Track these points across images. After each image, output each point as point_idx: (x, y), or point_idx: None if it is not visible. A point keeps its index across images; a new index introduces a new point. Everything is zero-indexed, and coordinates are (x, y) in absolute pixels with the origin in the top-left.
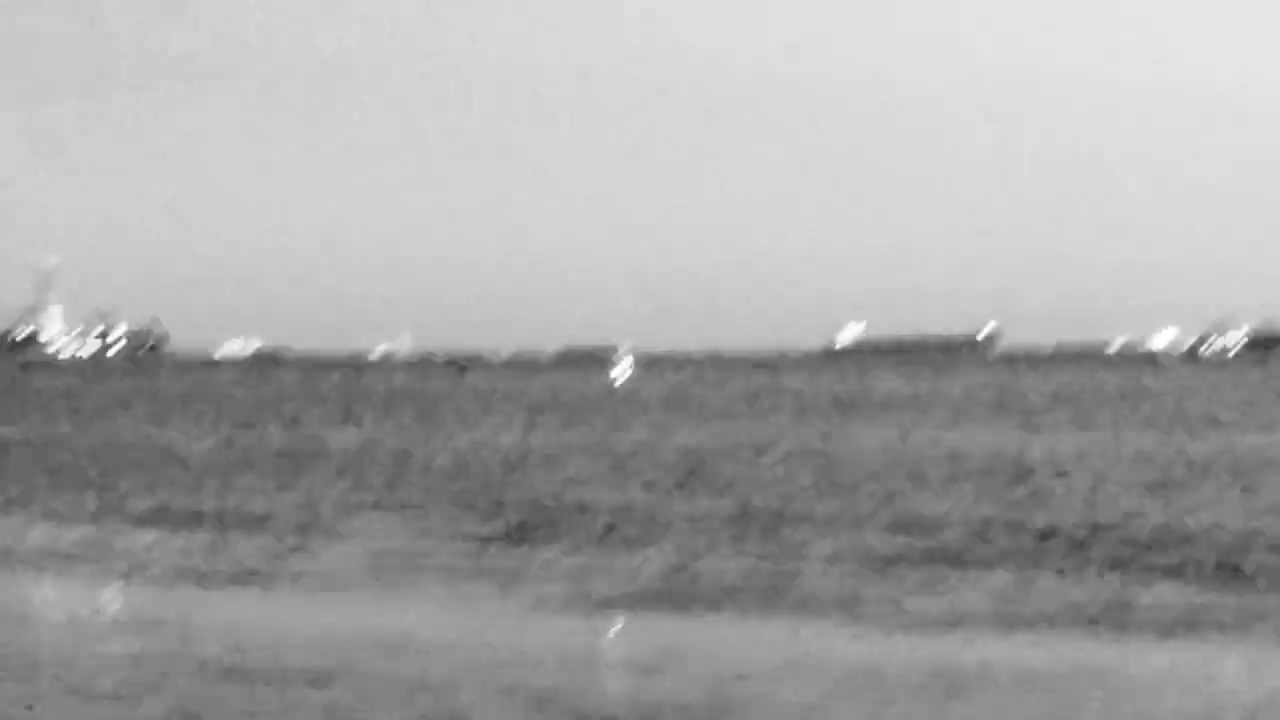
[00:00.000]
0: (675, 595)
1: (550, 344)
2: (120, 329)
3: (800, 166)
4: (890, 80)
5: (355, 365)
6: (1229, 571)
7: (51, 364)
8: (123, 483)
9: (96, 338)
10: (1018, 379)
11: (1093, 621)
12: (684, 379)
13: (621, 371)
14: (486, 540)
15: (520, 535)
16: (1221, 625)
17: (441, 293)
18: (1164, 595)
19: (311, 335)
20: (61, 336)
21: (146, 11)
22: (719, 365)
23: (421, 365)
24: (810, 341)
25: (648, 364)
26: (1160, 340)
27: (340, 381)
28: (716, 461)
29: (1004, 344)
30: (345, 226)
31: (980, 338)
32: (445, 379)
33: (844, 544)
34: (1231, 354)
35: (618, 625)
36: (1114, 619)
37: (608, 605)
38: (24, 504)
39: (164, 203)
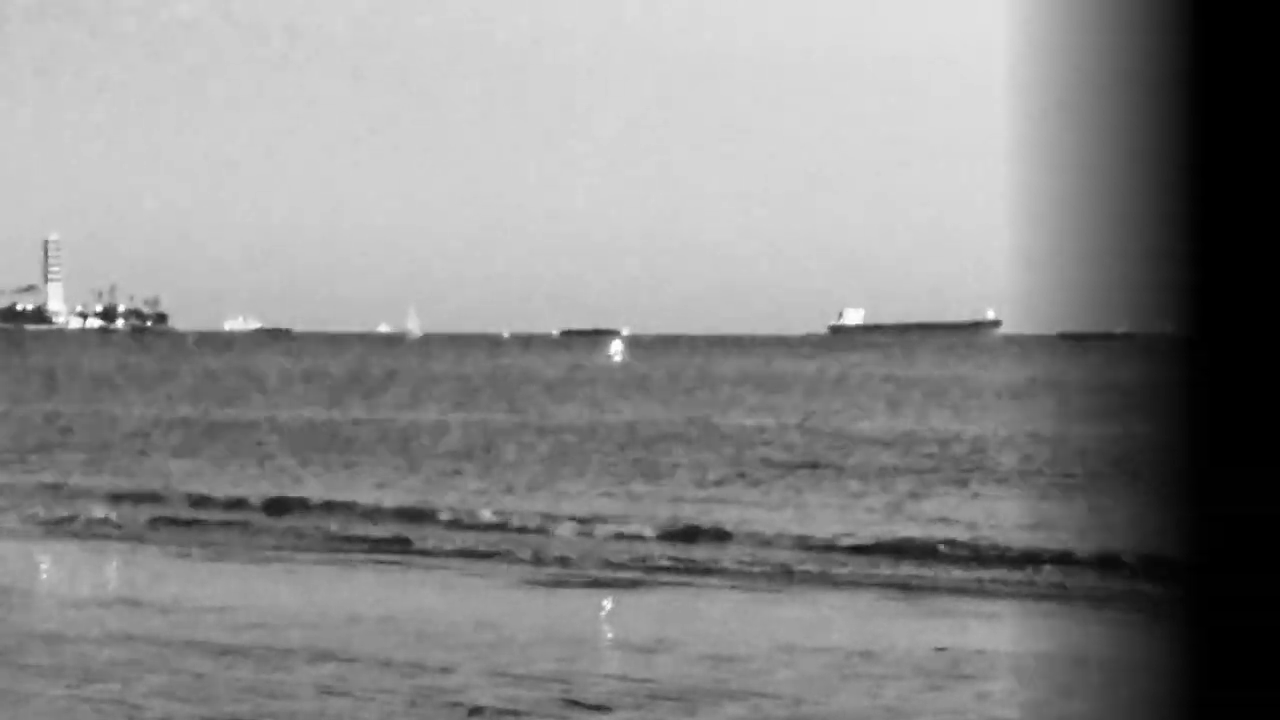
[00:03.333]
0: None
1: (554, 326)
2: (121, 306)
3: (804, 151)
4: (896, 59)
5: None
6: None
7: (59, 336)
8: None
9: (98, 315)
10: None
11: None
12: (678, 359)
13: (618, 351)
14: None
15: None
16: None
17: (448, 275)
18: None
19: (314, 316)
20: (62, 313)
21: None
22: (713, 346)
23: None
24: (809, 327)
25: (647, 344)
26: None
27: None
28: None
29: (1004, 330)
30: (350, 208)
31: (980, 322)
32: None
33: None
34: None
35: (609, 604)
36: None
37: (598, 584)
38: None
39: (165, 183)
